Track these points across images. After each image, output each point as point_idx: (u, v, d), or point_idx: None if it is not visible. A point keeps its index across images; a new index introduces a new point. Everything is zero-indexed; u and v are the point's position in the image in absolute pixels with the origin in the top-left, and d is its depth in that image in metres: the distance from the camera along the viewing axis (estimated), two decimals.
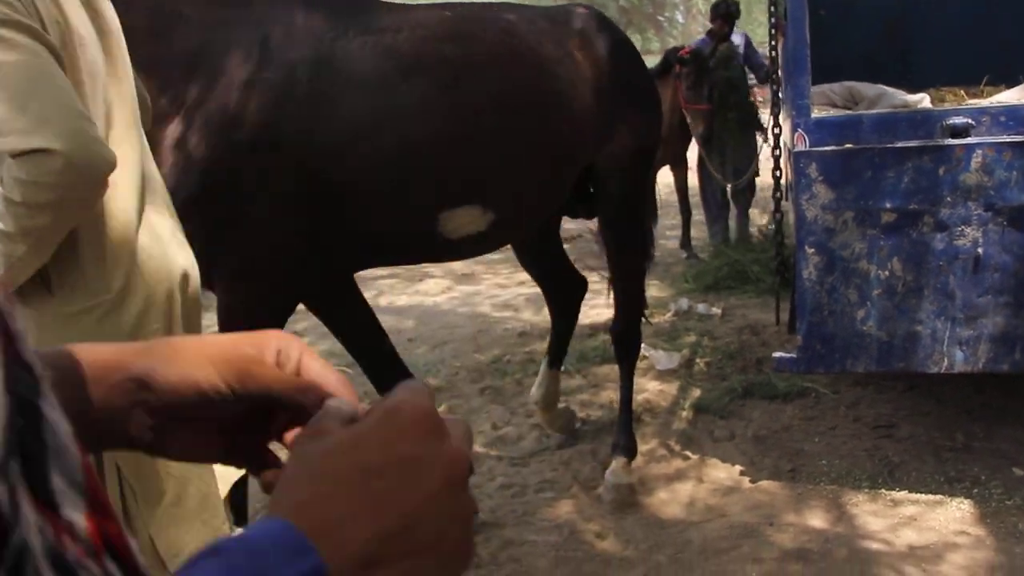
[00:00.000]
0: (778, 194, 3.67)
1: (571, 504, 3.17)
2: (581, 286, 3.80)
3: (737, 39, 7.35)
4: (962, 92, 4.91)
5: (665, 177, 7.41)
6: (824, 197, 3.08)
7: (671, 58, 6.66)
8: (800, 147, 3.11)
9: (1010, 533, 2.74)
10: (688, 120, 6.62)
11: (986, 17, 6.24)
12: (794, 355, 3.17)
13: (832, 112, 3.72)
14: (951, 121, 3.01)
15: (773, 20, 4.75)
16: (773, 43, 3.76)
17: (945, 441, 3.38)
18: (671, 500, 3.18)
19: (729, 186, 7.47)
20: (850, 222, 3.07)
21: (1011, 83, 4.81)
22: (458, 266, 7.73)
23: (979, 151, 2.97)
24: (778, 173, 3.62)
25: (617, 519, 3.05)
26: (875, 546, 2.74)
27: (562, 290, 3.74)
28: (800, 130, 3.12)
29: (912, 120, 3.11)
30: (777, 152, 3.68)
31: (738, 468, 3.36)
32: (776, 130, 3.52)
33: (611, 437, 3.69)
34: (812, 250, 3.10)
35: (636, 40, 42.99)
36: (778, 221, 3.70)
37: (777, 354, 3.25)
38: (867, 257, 3.06)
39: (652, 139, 3.27)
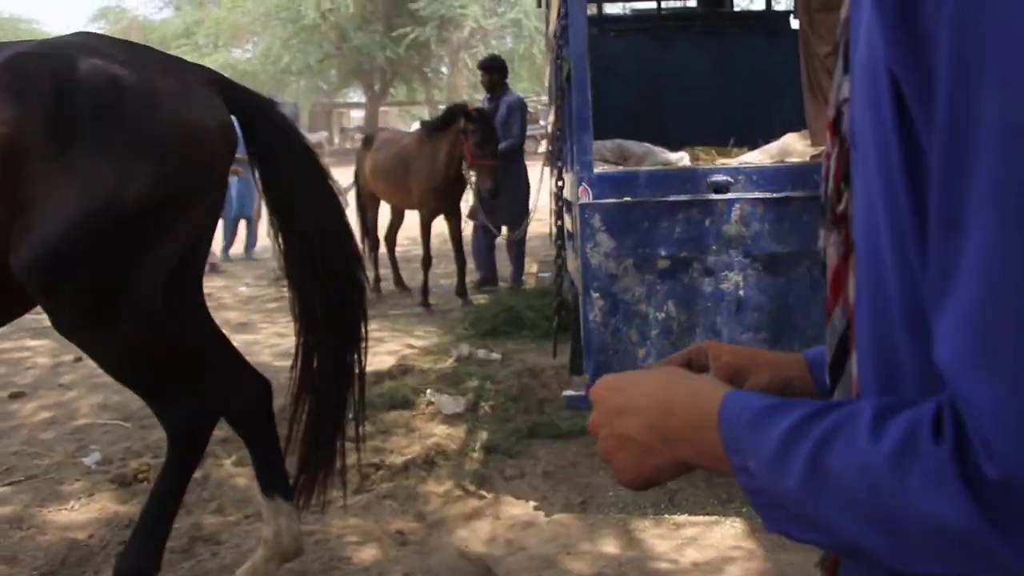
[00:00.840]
0: (559, 241, 3.90)
1: (375, 548, 3.19)
2: (259, 388, 2.85)
3: (512, 100, 7.84)
4: (714, 152, 5.46)
5: (438, 227, 7.64)
6: (606, 246, 3.34)
7: (456, 113, 6.90)
8: (584, 199, 3.36)
9: (776, 545, 3.07)
10: (473, 175, 6.87)
11: (728, 86, 6.97)
12: (583, 393, 3.39)
13: (610, 168, 4.04)
14: (714, 178, 3.37)
15: (555, 84, 5.07)
16: (558, 103, 4.02)
17: None
18: (471, 537, 3.28)
19: (502, 237, 7.86)
20: (630, 268, 3.34)
21: (752, 145, 5.41)
22: (233, 315, 7.55)
23: (738, 205, 3.34)
24: (560, 223, 3.86)
25: (422, 559, 3.11)
26: (664, 566, 2.97)
27: (236, 396, 2.80)
28: (584, 184, 3.37)
29: (681, 177, 3.45)
30: (560, 203, 3.93)
31: (532, 503, 3.52)
32: (559, 183, 3.77)
33: (407, 480, 3.77)
34: (597, 295, 3.35)
35: (401, 91, 43.28)
36: (559, 266, 3.93)
37: (567, 392, 3.47)
38: (646, 300, 3.35)
39: (122, 210, 2.27)
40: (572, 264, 3.93)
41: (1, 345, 6.78)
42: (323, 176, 2.74)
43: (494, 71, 7.98)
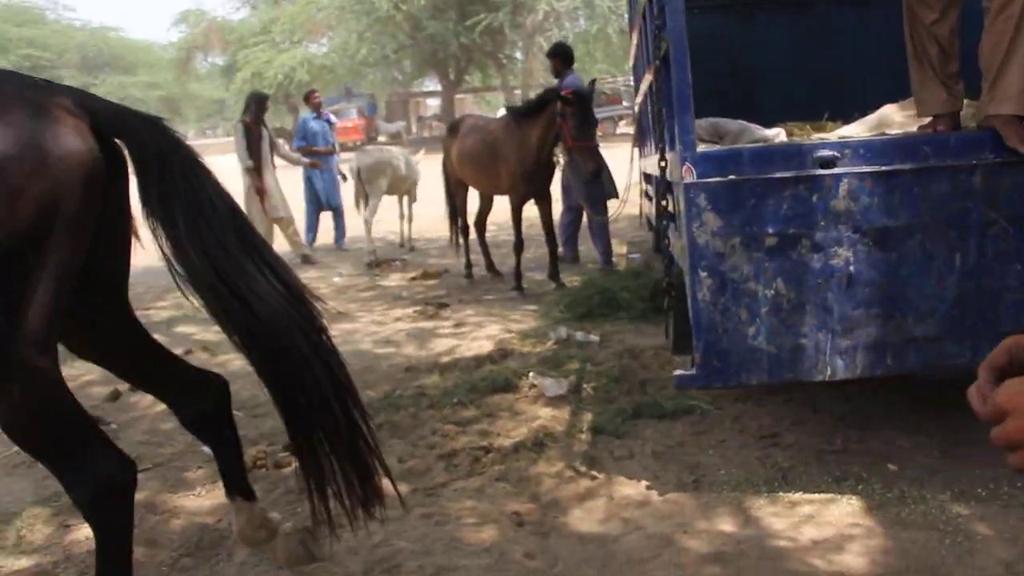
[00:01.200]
0: (664, 222, 3.89)
1: (494, 529, 3.25)
2: (215, 389, 2.84)
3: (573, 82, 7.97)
4: (808, 127, 5.37)
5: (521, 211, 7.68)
6: (713, 225, 3.33)
7: (550, 97, 6.90)
8: (689, 179, 3.35)
9: (895, 521, 3.04)
10: (575, 158, 6.88)
11: (815, 59, 6.85)
12: (694, 372, 3.39)
13: (710, 146, 4.02)
14: (820, 153, 3.33)
15: (642, 64, 5.03)
16: (657, 83, 3.99)
17: (825, 445, 3.69)
18: (587, 518, 3.32)
19: (588, 218, 7.92)
20: (737, 247, 3.33)
21: (847, 118, 5.31)
22: (329, 305, 7.72)
23: (846, 180, 3.29)
24: (664, 203, 3.86)
25: (540, 540, 3.16)
26: (782, 544, 2.97)
27: (188, 397, 2.82)
28: (688, 163, 3.36)
29: (786, 153, 3.41)
30: (663, 184, 3.93)
31: (644, 483, 3.55)
32: (662, 163, 3.76)
33: (517, 462, 3.83)
34: (705, 274, 3.35)
35: (476, 78, 43.61)
36: (665, 247, 3.92)
37: (677, 372, 3.47)
38: (754, 278, 3.33)
39: None
40: (676, 244, 3.93)
41: None
42: (213, 199, 2.48)
43: (557, 57, 8.37)
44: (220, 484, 3.87)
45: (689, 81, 3.43)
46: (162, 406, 5.18)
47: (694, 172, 3.35)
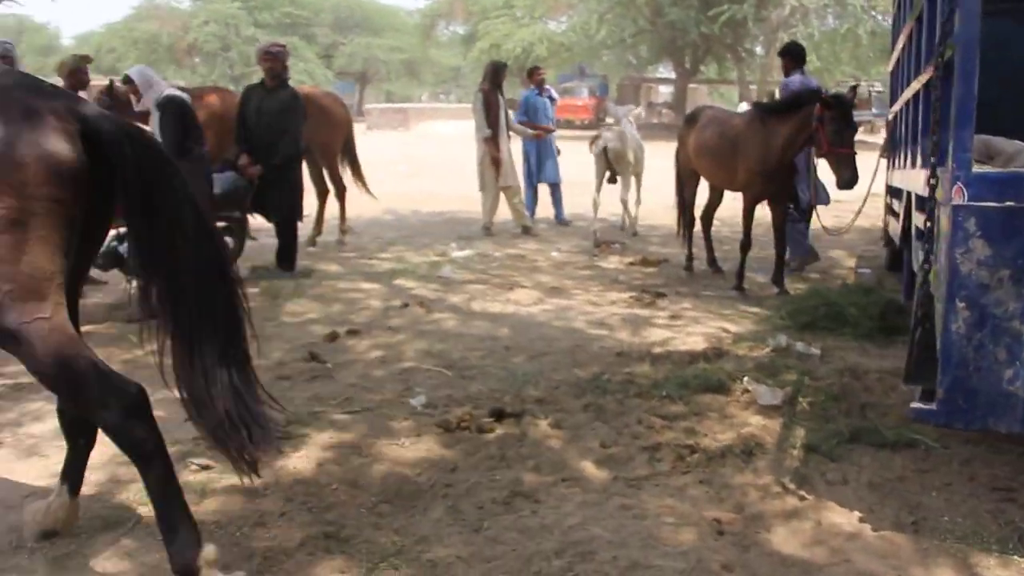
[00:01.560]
0: (927, 245, 3.59)
1: (692, 533, 3.15)
2: None
3: (797, 81, 7.75)
4: None
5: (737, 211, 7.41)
6: (980, 252, 3.05)
7: (807, 98, 6.61)
8: (958, 200, 3.09)
9: None
10: (830, 164, 6.57)
11: None
12: (934, 407, 3.14)
13: (981, 166, 3.69)
14: None
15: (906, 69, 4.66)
16: (936, 92, 3.69)
17: None
18: (791, 539, 3.15)
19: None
20: (1006, 280, 3.04)
21: None
22: (546, 279, 7.79)
23: None
24: (929, 224, 3.57)
25: (741, 552, 3.03)
26: None
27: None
28: (959, 183, 3.10)
29: None
30: (931, 202, 3.64)
31: (856, 514, 3.33)
32: (932, 180, 3.49)
33: (723, 468, 3.70)
34: (963, 304, 3.08)
35: (712, 69, 42.79)
36: (926, 272, 3.61)
37: (915, 404, 3.23)
38: (1020, 317, 3.03)
39: None
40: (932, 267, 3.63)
41: (339, 285, 7.45)
42: (184, 211, 2.75)
43: (787, 55, 8.46)
44: (422, 438, 4.02)
45: (975, 94, 3.15)
46: (376, 352, 5.47)
47: (965, 193, 3.09)
